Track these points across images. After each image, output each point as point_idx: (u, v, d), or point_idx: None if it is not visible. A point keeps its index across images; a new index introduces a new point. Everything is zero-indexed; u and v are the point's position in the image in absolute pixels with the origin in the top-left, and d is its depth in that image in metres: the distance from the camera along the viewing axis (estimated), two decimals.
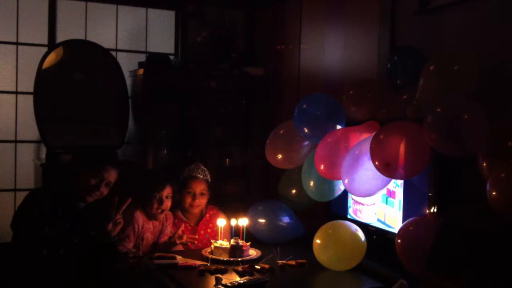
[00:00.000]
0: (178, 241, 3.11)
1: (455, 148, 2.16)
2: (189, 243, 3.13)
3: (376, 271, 2.66)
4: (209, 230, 3.34)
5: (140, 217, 3.08)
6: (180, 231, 3.16)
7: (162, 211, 3.13)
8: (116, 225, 2.80)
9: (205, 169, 3.39)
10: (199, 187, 3.29)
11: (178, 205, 3.34)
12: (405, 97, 2.55)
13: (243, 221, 3.03)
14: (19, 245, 2.68)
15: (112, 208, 2.78)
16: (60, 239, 2.66)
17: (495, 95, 2.32)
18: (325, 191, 2.97)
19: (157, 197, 3.10)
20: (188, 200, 3.28)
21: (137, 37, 4.50)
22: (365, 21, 3.25)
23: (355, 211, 2.99)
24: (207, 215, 3.37)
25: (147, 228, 3.12)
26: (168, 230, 3.24)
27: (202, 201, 3.31)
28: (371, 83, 2.93)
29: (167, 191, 3.14)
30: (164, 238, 3.20)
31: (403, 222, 2.53)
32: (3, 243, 3.98)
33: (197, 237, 3.23)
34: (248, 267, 2.71)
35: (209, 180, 3.37)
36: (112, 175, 2.83)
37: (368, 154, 2.45)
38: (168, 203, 3.15)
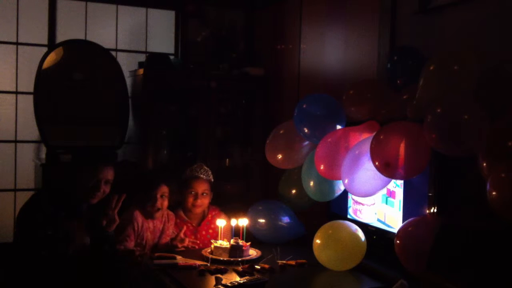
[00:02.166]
0: (179, 245, 3.11)
1: (455, 148, 2.16)
2: (190, 246, 3.13)
3: (376, 271, 2.66)
4: (210, 231, 3.35)
5: (139, 216, 3.09)
6: (182, 234, 3.16)
7: (158, 210, 3.13)
8: (111, 222, 2.79)
9: (208, 169, 3.39)
10: (201, 187, 3.29)
11: (180, 205, 3.34)
12: (405, 97, 2.54)
13: (243, 221, 3.04)
14: (20, 246, 2.68)
15: (109, 204, 2.78)
16: (61, 239, 2.66)
17: (495, 95, 2.32)
18: (325, 191, 2.97)
19: (152, 195, 3.11)
20: (190, 200, 3.28)
21: (137, 37, 4.50)
22: (365, 21, 3.25)
23: (355, 211, 2.98)
24: (209, 215, 3.37)
25: (147, 227, 3.13)
26: (170, 231, 3.24)
27: (204, 201, 3.30)
28: (371, 83, 2.93)
29: (162, 190, 3.15)
30: (166, 239, 3.20)
31: (403, 222, 2.53)
32: (3, 243, 3.98)
33: (198, 241, 3.23)
34: (248, 267, 2.71)
35: (212, 180, 3.37)
36: (109, 173, 2.82)
37: (368, 154, 2.45)
38: (164, 202, 3.16)
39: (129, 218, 3.04)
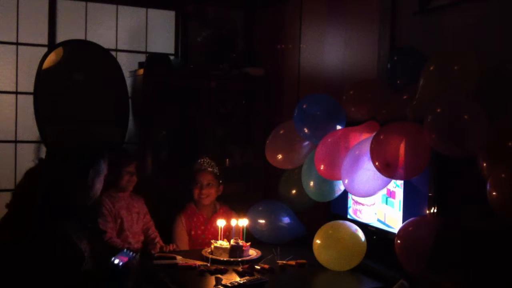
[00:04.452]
0: (153, 251, 3.17)
1: (455, 148, 2.16)
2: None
3: (376, 271, 2.66)
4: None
5: (105, 199, 3.21)
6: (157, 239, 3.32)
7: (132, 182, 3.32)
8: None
9: (211, 161, 3.52)
10: (206, 178, 3.42)
11: (192, 200, 3.48)
12: (405, 97, 2.55)
13: (243, 221, 3.04)
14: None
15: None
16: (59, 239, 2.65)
17: (495, 95, 2.32)
18: (325, 191, 2.97)
19: (128, 170, 3.29)
20: (197, 191, 3.42)
21: (137, 37, 4.49)
22: (365, 21, 3.25)
23: (355, 211, 2.98)
24: (221, 210, 3.50)
25: (120, 206, 3.25)
26: (144, 210, 3.42)
27: (210, 191, 3.42)
28: (371, 83, 2.93)
29: (134, 166, 3.33)
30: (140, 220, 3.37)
31: (403, 222, 2.53)
32: None
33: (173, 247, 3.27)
34: (248, 267, 2.71)
35: (216, 172, 3.50)
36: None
37: (368, 155, 2.45)
38: (135, 178, 3.34)
39: (99, 204, 3.17)
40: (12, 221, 2.41)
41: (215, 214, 3.46)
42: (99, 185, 2.41)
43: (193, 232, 3.40)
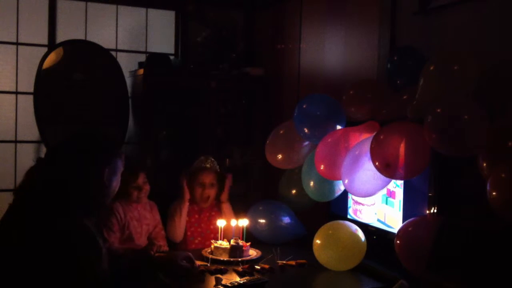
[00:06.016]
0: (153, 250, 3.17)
1: (455, 148, 2.16)
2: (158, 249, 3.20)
3: (376, 271, 2.66)
4: (213, 213, 3.43)
5: (119, 207, 3.14)
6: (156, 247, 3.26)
7: (140, 191, 3.22)
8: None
9: (214, 160, 3.46)
10: (208, 178, 3.36)
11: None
12: (405, 97, 2.55)
13: (243, 221, 3.04)
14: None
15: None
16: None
17: (495, 95, 2.32)
18: (325, 191, 2.97)
19: (135, 186, 3.18)
20: (199, 191, 3.35)
21: (137, 37, 4.50)
22: (365, 21, 3.25)
23: (355, 211, 2.98)
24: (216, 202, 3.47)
25: (131, 216, 3.19)
26: (156, 220, 3.34)
27: (211, 192, 3.38)
28: (371, 83, 2.94)
29: (142, 178, 3.22)
30: (149, 228, 3.31)
31: (403, 222, 2.53)
32: None
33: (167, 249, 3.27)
34: (248, 267, 2.71)
35: (218, 170, 3.45)
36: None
37: (368, 155, 2.45)
38: (147, 187, 3.23)
39: (110, 210, 3.10)
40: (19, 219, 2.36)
41: (209, 205, 3.43)
42: (116, 183, 2.38)
43: (187, 218, 3.39)
